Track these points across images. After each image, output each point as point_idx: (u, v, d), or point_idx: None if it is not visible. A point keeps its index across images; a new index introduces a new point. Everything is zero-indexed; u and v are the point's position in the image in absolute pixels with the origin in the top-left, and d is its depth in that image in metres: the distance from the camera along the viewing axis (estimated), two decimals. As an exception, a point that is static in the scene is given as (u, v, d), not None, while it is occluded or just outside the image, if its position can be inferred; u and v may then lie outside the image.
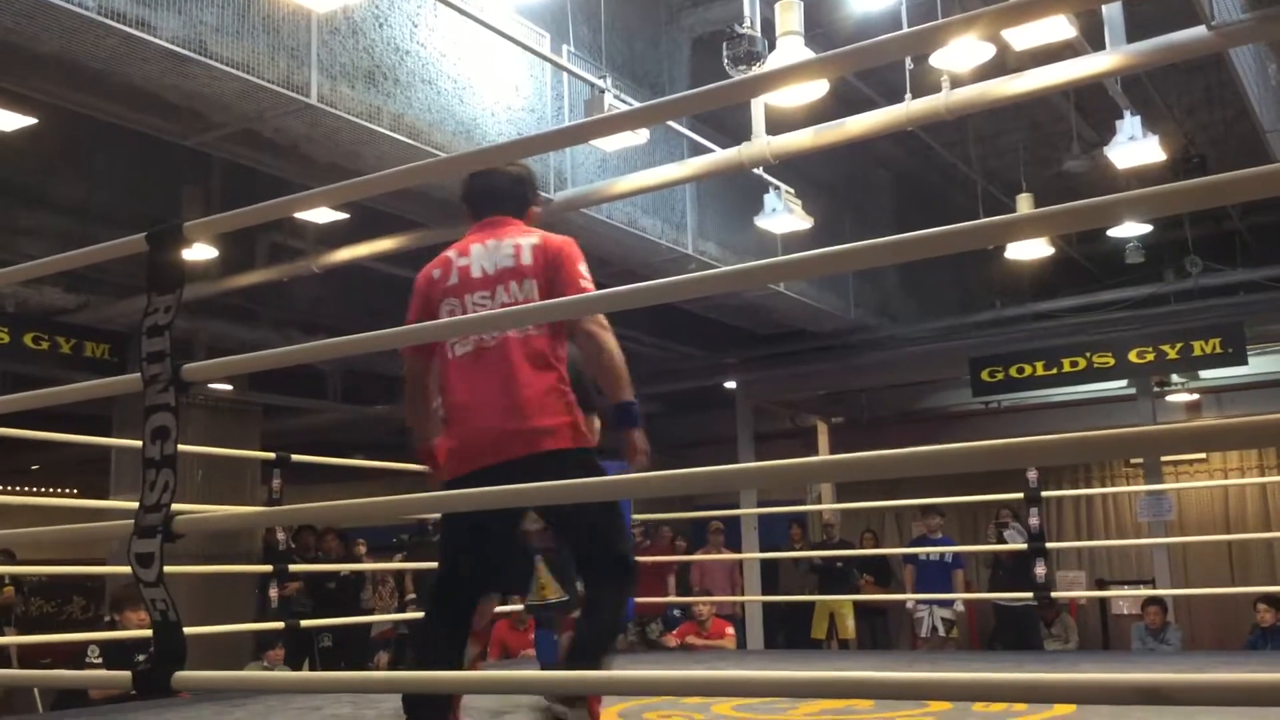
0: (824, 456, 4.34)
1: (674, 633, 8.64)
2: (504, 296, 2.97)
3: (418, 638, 4.53)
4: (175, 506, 2.37)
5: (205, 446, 7.36)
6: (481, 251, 3.05)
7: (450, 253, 3.12)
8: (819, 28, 7.28)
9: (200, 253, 7.97)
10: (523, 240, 3.03)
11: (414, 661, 3.85)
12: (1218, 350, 9.47)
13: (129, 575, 2.35)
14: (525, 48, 6.20)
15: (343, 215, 7.64)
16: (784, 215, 7.52)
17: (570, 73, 6.57)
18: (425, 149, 5.84)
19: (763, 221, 7.63)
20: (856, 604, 9.80)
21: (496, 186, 3.18)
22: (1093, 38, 5.74)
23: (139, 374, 2.44)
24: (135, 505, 2.38)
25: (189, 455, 8.36)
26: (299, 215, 7.45)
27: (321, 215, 7.52)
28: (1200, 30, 5.07)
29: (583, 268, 3.02)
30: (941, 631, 9.16)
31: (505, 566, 3.43)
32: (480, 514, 2.93)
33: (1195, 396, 11.84)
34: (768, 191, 7.53)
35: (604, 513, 3.01)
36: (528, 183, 3.26)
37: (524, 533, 3.48)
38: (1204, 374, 11.18)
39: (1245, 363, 9.52)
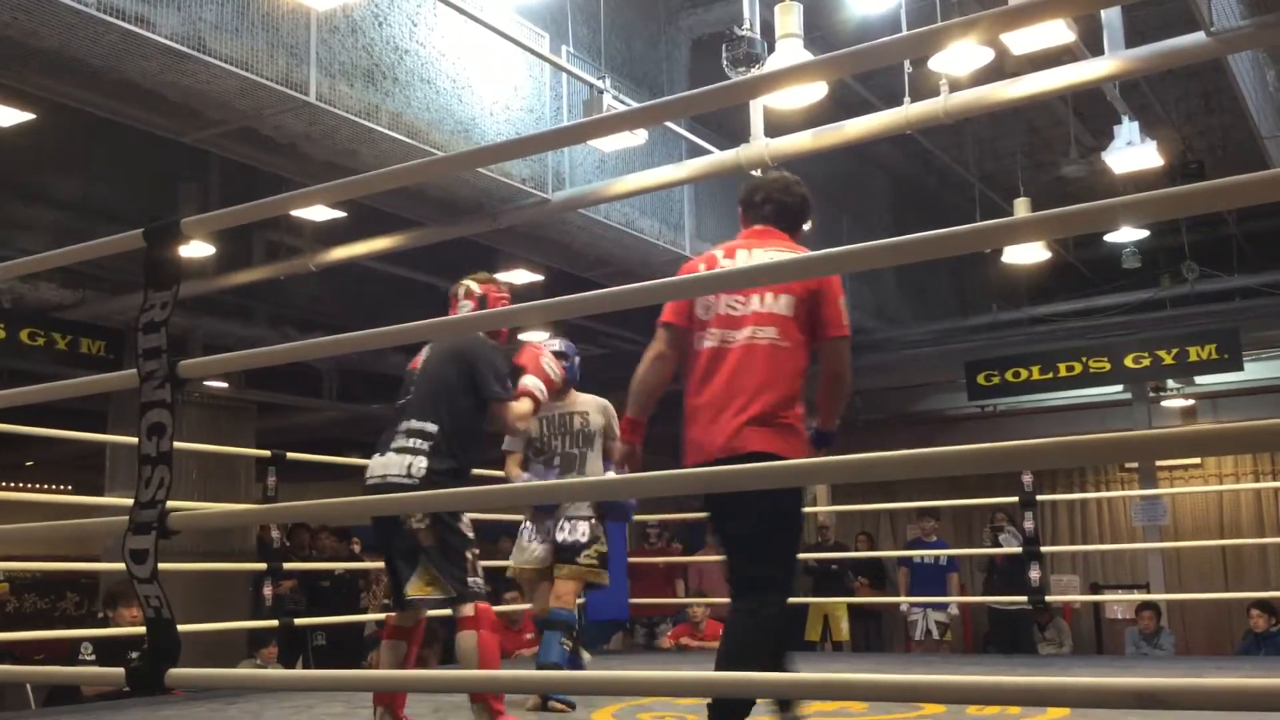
0: (819, 458, 4.31)
1: (669, 634, 8.65)
2: (756, 304, 3.11)
3: None
4: (170, 503, 2.37)
5: (200, 444, 7.36)
6: (746, 257, 3.22)
7: (717, 252, 3.32)
8: (818, 30, 7.28)
9: (197, 250, 7.96)
10: (785, 255, 3.13)
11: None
12: (1214, 356, 9.49)
13: (123, 571, 2.35)
14: (524, 48, 6.20)
15: (340, 214, 7.63)
16: (782, 217, 7.51)
17: (569, 73, 6.57)
18: (424, 148, 5.84)
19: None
20: (851, 606, 9.80)
21: (785, 203, 3.43)
22: (1092, 43, 5.74)
23: (135, 370, 2.44)
24: (130, 501, 2.37)
25: (184, 452, 8.37)
26: (296, 213, 7.44)
27: (319, 213, 7.52)
28: (1199, 36, 5.08)
29: (842, 302, 3.18)
30: (935, 634, 9.16)
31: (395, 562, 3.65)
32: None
33: (1191, 402, 11.86)
34: (766, 193, 7.53)
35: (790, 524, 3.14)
36: (809, 206, 3.49)
37: (410, 531, 3.56)
38: (1200, 379, 11.19)
39: (1241, 368, 9.54)
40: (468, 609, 3.57)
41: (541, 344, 4.30)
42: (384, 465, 3.65)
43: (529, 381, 3.96)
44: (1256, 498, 12.37)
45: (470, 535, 3.64)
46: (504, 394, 3.78)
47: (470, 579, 3.57)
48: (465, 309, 3.92)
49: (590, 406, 4.80)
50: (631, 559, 9.82)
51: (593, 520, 4.68)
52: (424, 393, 3.74)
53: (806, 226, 3.44)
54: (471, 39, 6.22)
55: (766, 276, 2.48)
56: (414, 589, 3.59)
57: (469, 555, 3.61)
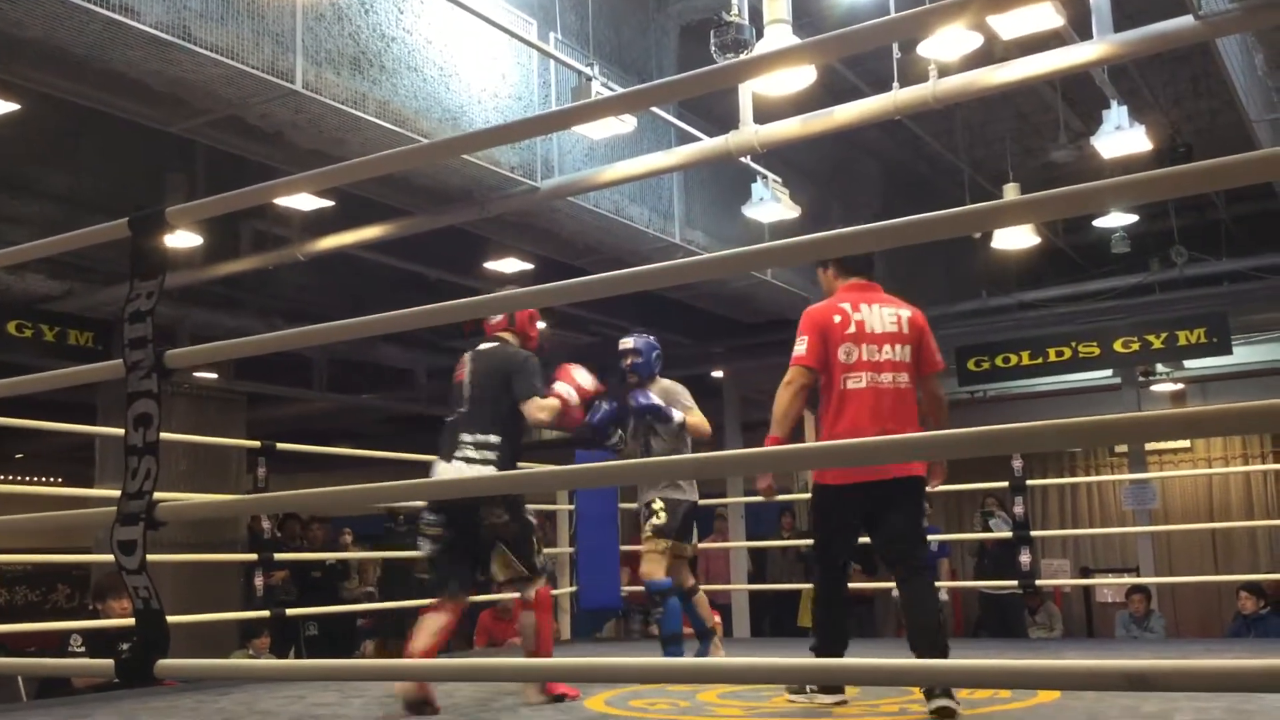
0: (810, 444, 4.39)
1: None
2: (889, 353, 3.91)
3: None
4: (158, 494, 2.36)
5: (190, 435, 7.34)
6: (868, 311, 3.96)
7: (845, 305, 3.98)
8: (807, 16, 7.26)
9: (185, 240, 7.93)
10: (901, 312, 4.00)
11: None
12: (1203, 340, 9.51)
13: (113, 563, 2.34)
14: (512, 34, 6.18)
15: (328, 203, 7.60)
16: (771, 204, 7.51)
17: (557, 60, 6.54)
18: (411, 136, 5.81)
19: (750, 210, 7.62)
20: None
21: (871, 254, 4.14)
22: (1080, 27, 5.74)
23: (121, 360, 2.43)
24: (119, 493, 2.36)
25: (173, 444, 8.36)
26: (284, 203, 7.41)
27: (307, 203, 7.48)
28: (1187, 20, 5.07)
29: (932, 339, 4.05)
30: (927, 620, 9.18)
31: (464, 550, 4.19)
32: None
33: (1180, 386, 11.90)
34: (755, 180, 7.52)
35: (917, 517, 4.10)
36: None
37: (491, 525, 4.09)
38: (1189, 364, 11.23)
39: (1230, 352, 9.57)
40: (532, 591, 4.18)
41: (569, 364, 4.61)
42: (457, 473, 4.10)
43: (559, 386, 4.36)
44: (1246, 481, 12.44)
45: (534, 520, 4.21)
46: (529, 393, 4.19)
47: (537, 559, 4.16)
48: (495, 324, 4.48)
49: (656, 393, 5.36)
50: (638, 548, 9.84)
51: (652, 499, 5.28)
52: (483, 407, 4.22)
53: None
54: (459, 26, 6.19)
55: (754, 262, 2.47)
56: (498, 571, 4.16)
57: (534, 539, 4.19)
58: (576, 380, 4.40)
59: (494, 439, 4.14)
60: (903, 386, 3.92)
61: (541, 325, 4.70)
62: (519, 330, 4.46)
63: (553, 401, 4.23)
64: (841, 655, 3.84)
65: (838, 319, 3.94)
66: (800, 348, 3.95)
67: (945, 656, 3.67)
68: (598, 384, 4.54)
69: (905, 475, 3.87)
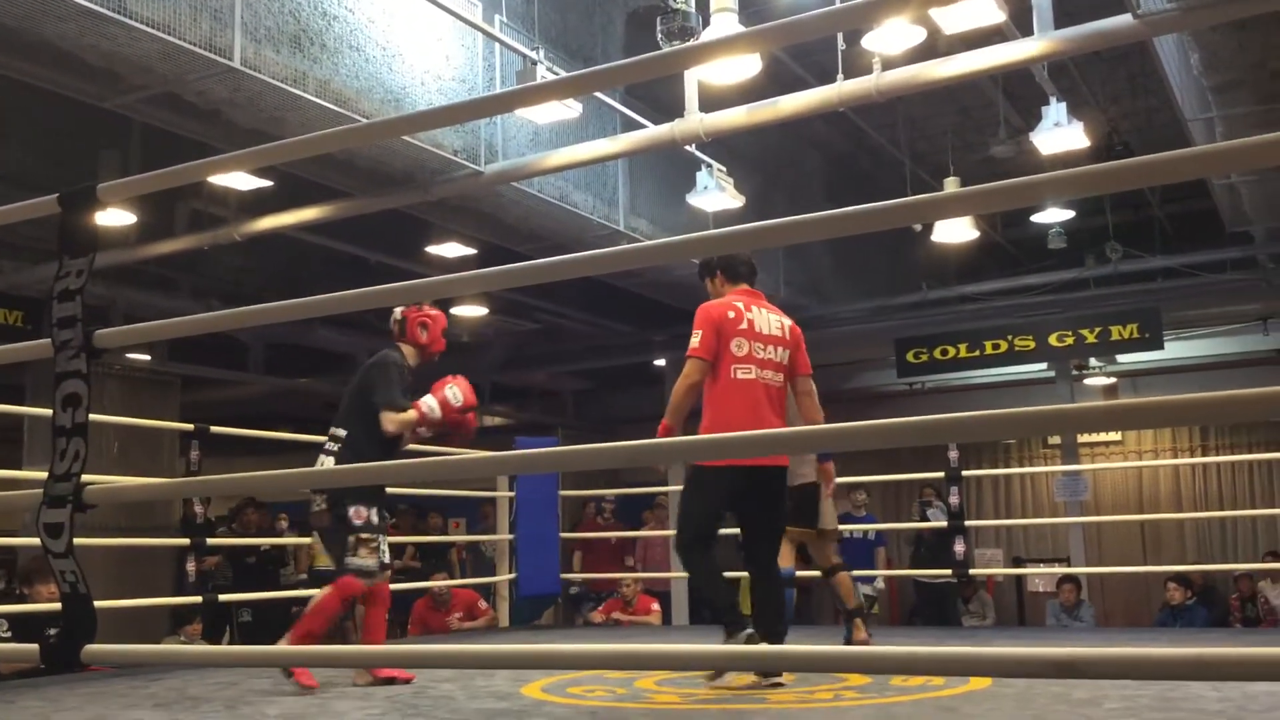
0: (749, 431, 4.44)
1: (600, 609, 8.67)
2: (773, 353, 4.25)
3: None
4: (88, 477, 2.32)
5: (121, 417, 7.20)
6: (757, 313, 4.28)
7: (738, 303, 4.26)
8: (753, 6, 7.27)
9: (118, 218, 7.76)
10: (784, 320, 4.36)
11: None
12: (1135, 335, 9.68)
13: (40, 547, 2.30)
14: (456, 16, 6.11)
15: (266, 183, 7.48)
16: (716, 193, 7.52)
17: (502, 43, 6.49)
18: (352, 116, 5.73)
19: (694, 199, 7.63)
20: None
21: (753, 263, 4.46)
22: (1021, 23, 5.81)
23: (49, 339, 2.38)
24: (46, 475, 2.32)
25: (105, 426, 8.21)
26: (221, 181, 7.28)
27: (244, 182, 7.35)
28: (1126, 18, 5.15)
29: (804, 347, 4.42)
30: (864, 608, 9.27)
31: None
32: None
33: (1112, 380, 12.11)
34: (700, 169, 7.53)
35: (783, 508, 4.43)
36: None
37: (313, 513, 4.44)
38: (1121, 358, 11.43)
39: (1161, 347, 9.75)
40: (356, 585, 4.40)
41: (451, 377, 4.71)
42: (319, 464, 4.50)
43: (425, 399, 4.53)
44: (1174, 474, 12.70)
45: (358, 522, 4.36)
46: (382, 402, 4.44)
47: (351, 557, 4.34)
48: (392, 326, 4.68)
49: None
50: (586, 534, 9.84)
51: None
52: (344, 404, 4.59)
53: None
54: (402, 6, 6.12)
55: (697, 249, 2.48)
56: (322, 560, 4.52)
57: (352, 538, 4.35)
58: (445, 395, 4.55)
59: (341, 433, 4.48)
60: (781, 386, 4.28)
61: (431, 324, 4.70)
62: (408, 339, 4.67)
63: (407, 415, 4.43)
64: (740, 619, 4.09)
65: (731, 314, 4.22)
66: (695, 341, 4.19)
67: (784, 637, 4.28)
68: (470, 399, 4.65)
69: (780, 466, 4.29)
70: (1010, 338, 10.26)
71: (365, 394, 4.50)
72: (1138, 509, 12.52)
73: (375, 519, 4.40)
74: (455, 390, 4.60)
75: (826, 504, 5.32)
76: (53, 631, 2.29)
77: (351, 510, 4.34)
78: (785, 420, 4.29)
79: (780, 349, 4.27)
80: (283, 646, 4.13)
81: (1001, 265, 11.66)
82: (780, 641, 4.26)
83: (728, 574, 4.46)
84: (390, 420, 4.42)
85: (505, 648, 2.05)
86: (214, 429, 6.17)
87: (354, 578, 4.34)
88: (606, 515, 9.81)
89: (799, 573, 5.77)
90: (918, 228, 9.67)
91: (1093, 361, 11.60)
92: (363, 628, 4.62)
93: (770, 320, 4.30)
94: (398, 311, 4.66)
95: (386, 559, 4.48)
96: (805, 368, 4.42)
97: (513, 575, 7.70)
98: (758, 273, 4.52)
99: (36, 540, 2.34)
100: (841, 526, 9.57)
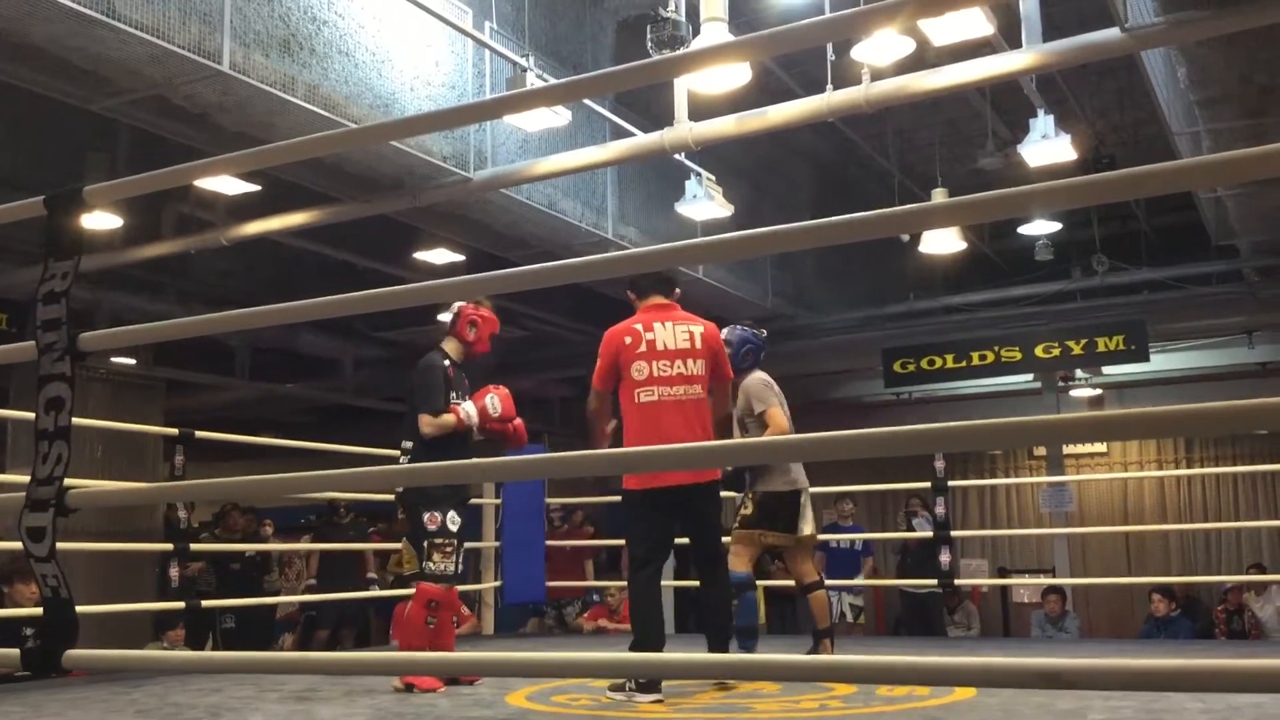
0: (736, 440, 4.47)
1: (586, 616, 8.65)
2: (680, 367, 4.26)
3: None
4: (71, 481, 2.30)
5: (105, 421, 7.17)
6: (661, 329, 4.31)
7: (638, 325, 4.33)
8: (743, 16, 7.29)
9: (104, 221, 7.72)
10: (694, 329, 4.35)
11: None
12: (1121, 347, 9.72)
13: (21, 550, 2.28)
14: (447, 22, 6.10)
15: (254, 187, 7.45)
16: (704, 202, 7.52)
17: (492, 50, 6.48)
18: (341, 121, 5.72)
19: (683, 208, 7.63)
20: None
21: (669, 277, 4.49)
22: (1010, 36, 5.83)
23: (34, 342, 2.37)
24: (28, 478, 2.30)
25: (89, 430, 8.16)
26: (208, 186, 7.25)
27: (231, 186, 7.32)
28: (1114, 32, 5.18)
29: (725, 352, 4.49)
30: (850, 617, 9.28)
31: None
32: None
33: (1098, 392, 12.15)
34: (689, 178, 7.53)
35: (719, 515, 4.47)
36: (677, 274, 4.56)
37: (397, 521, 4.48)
38: (1107, 370, 11.47)
39: (1147, 359, 9.79)
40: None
41: (492, 387, 4.71)
42: None
43: (465, 404, 4.56)
44: (1159, 485, 12.75)
45: (432, 528, 4.42)
46: (419, 406, 4.49)
47: (428, 563, 4.42)
48: (444, 319, 4.70)
49: (746, 386, 5.08)
50: (562, 542, 9.79)
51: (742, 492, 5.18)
52: (406, 416, 4.62)
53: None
54: (392, 11, 6.11)
55: (685, 257, 2.48)
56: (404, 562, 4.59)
57: (427, 543, 4.42)
58: (485, 405, 4.58)
59: (407, 445, 4.56)
60: (695, 398, 4.30)
61: (481, 324, 4.69)
62: (456, 333, 4.67)
63: (444, 419, 4.48)
64: (660, 651, 4.02)
65: (629, 340, 4.32)
66: (595, 371, 4.36)
67: (729, 641, 4.42)
68: (509, 410, 4.67)
69: (709, 480, 4.34)
70: (997, 349, 10.28)
71: (410, 401, 4.57)
72: (1123, 520, 12.56)
73: (451, 525, 4.46)
74: (495, 400, 4.62)
75: (807, 512, 5.14)
76: (29, 632, 2.27)
77: (426, 516, 4.42)
78: (710, 431, 4.31)
79: (691, 361, 4.28)
80: (265, 654, 4.14)
81: (988, 276, 11.69)
82: (724, 643, 4.37)
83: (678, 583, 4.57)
84: (427, 424, 4.47)
85: (489, 655, 2.04)
86: (199, 434, 6.14)
87: (431, 583, 4.42)
88: (557, 524, 9.68)
89: (779, 583, 5.78)
90: (905, 238, 9.69)
91: (1079, 373, 11.64)
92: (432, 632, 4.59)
93: (677, 333, 4.31)
94: (455, 305, 4.68)
95: (463, 566, 4.58)
96: (726, 374, 4.47)
97: (498, 583, 7.68)
98: (675, 283, 4.52)
99: (17, 544, 2.32)
100: (828, 536, 9.67)
